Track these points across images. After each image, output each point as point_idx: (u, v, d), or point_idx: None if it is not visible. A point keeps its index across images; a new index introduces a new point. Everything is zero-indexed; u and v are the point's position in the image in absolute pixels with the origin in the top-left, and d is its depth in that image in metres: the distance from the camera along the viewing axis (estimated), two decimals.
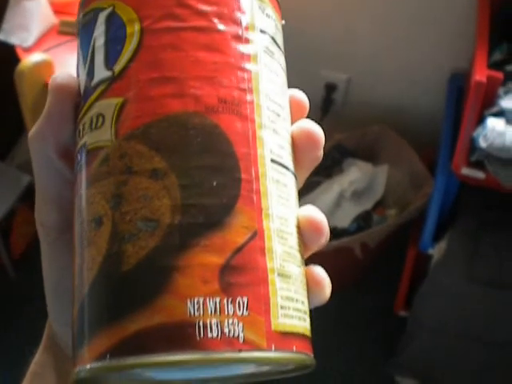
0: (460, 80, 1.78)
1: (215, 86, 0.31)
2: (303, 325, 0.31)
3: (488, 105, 1.42)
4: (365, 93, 1.95)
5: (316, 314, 1.74)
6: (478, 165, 1.44)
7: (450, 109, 1.72)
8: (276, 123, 0.33)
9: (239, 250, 0.29)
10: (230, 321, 0.27)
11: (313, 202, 1.81)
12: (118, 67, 0.31)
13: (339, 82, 1.93)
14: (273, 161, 0.32)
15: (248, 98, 0.32)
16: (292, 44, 1.91)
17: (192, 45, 0.31)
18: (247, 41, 0.33)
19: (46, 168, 0.37)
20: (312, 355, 0.32)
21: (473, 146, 1.41)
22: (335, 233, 1.77)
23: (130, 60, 0.31)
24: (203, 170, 0.29)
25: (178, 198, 0.29)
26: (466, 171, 1.46)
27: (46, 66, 1.44)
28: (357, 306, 1.92)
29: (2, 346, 1.82)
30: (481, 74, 1.40)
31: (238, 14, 0.33)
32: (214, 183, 0.29)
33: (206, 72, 0.31)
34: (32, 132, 0.36)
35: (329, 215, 1.79)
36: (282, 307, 0.29)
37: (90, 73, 0.33)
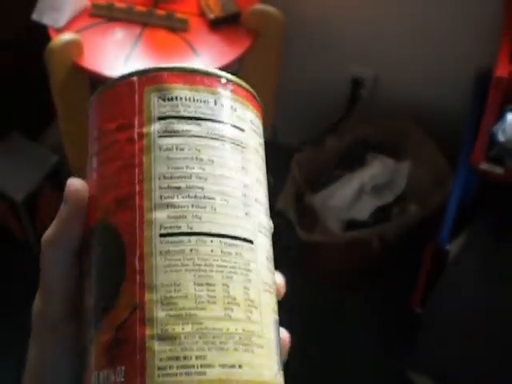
0: (486, 79, 1.78)
1: (114, 190, 0.36)
2: (194, 378, 0.33)
3: (509, 101, 1.43)
4: (391, 89, 1.95)
5: (329, 309, 1.75)
6: (498, 161, 1.44)
7: (474, 107, 1.72)
8: (175, 195, 0.36)
9: (122, 325, 0.34)
10: None
11: (332, 195, 1.82)
12: None
13: (367, 78, 1.94)
14: (163, 235, 0.35)
15: (137, 188, 0.36)
16: (318, 38, 1.94)
17: (101, 164, 0.38)
18: (141, 136, 0.37)
19: (56, 268, 0.40)
20: None
21: (492, 141, 1.42)
22: (353, 224, 1.78)
23: None
24: (103, 267, 0.36)
25: (94, 290, 0.36)
26: (484, 166, 1.46)
27: (76, 46, 1.47)
28: (372, 300, 1.92)
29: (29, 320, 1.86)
30: (502, 70, 1.40)
31: (133, 119, 0.38)
32: (106, 274, 0.36)
33: (109, 181, 0.37)
34: (46, 236, 0.40)
35: (348, 207, 1.81)
36: (159, 368, 0.33)
37: None
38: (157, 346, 0.33)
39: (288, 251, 1.88)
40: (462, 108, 1.79)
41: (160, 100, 0.38)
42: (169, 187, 0.36)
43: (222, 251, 0.35)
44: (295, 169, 1.82)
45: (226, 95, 0.39)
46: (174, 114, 0.38)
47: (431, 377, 1.76)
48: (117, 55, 1.52)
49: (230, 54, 1.56)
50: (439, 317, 1.66)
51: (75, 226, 0.39)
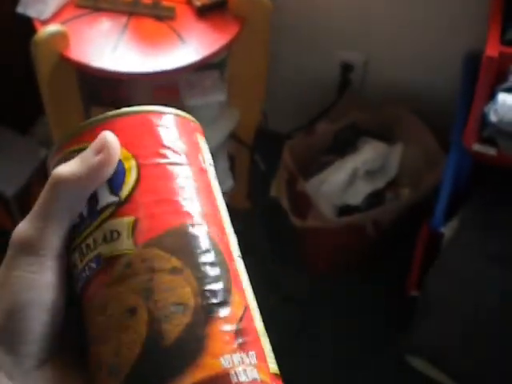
0: (476, 60, 1.77)
1: (198, 204, 0.42)
2: (277, 368, 0.41)
3: (500, 81, 1.42)
4: (381, 74, 1.95)
5: (324, 295, 1.75)
6: (490, 141, 1.43)
7: (464, 88, 1.71)
8: (230, 227, 0.44)
9: (241, 319, 0.40)
10: (250, 368, 0.38)
11: (325, 181, 1.81)
12: (124, 193, 0.41)
13: (356, 63, 1.92)
14: (238, 256, 0.43)
15: (216, 211, 0.43)
16: (307, 24, 1.92)
17: (176, 175, 0.42)
18: (206, 171, 0.44)
19: (67, 205, 0.41)
20: None
21: (484, 121, 1.41)
22: (347, 210, 1.77)
23: (134, 188, 0.41)
24: (207, 265, 0.40)
25: (195, 286, 0.39)
26: (477, 147, 1.45)
27: (61, 38, 1.45)
28: (368, 285, 1.91)
29: None
30: (493, 50, 1.39)
31: (198, 154, 0.45)
32: (216, 274, 0.40)
33: (190, 194, 0.42)
34: (68, 172, 0.40)
35: (341, 193, 1.80)
36: (269, 357, 0.40)
37: (93, 199, 0.41)
38: (263, 339, 0.41)
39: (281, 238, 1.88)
40: (452, 89, 1.78)
41: (208, 155, 0.47)
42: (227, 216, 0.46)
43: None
44: (287, 156, 1.80)
45: None
46: (212, 163, 0.47)
47: (430, 360, 1.76)
48: (103, 46, 1.50)
49: (217, 41, 1.54)
50: (435, 299, 1.66)
51: (101, 178, 0.41)
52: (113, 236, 0.40)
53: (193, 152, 0.44)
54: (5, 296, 0.39)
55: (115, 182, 0.41)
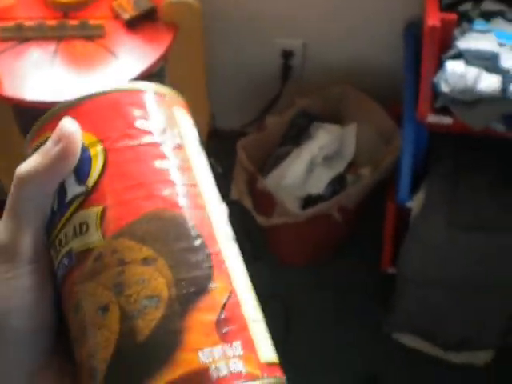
0: (416, 29, 1.75)
1: (174, 187, 0.39)
2: (275, 355, 0.38)
3: (445, 48, 1.40)
4: (322, 55, 1.92)
5: (306, 281, 1.72)
6: (444, 110, 1.41)
7: (409, 59, 1.69)
8: (217, 206, 0.41)
9: (224, 306, 0.36)
10: (233, 361, 0.35)
11: (284, 174, 1.78)
12: (90, 182, 0.38)
13: (295, 48, 1.89)
14: (227, 238, 0.40)
15: (196, 191, 0.40)
16: (240, 18, 1.88)
17: (148, 156, 0.39)
18: (183, 147, 0.41)
19: (33, 203, 0.39)
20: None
21: (436, 92, 1.39)
22: (310, 200, 1.74)
23: (100, 175, 0.39)
24: (183, 251, 0.37)
25: (169, 276, 0.36)
26: (432, 118, 1.44)
27: None
28: (344, 269, 1.90)
29: None
30: (434, 18, 1.37)
31: (174, 129, 0.42)
32: (193, 260, 0.37)
33: (164, 176, 0.39)
34: (27, 170, 0.39)
35: (301, 183, 1.77)
36: (263, 345, 0.37)
37: (61, 191, 0.39)
38: (254, 326, 0.37)
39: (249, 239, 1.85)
40: (396, 63, 1.76)
41: (182, 121, 0.44)
42: (214, 196, 0.42)
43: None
44: (242, 154, 1.77)
45: None
46: (194, 134, 0.44)
47: (415, 333, 1.76)
48: (36, 76, 1.45)
49: (152, 53, 1.50)
50: (409, 274, 1.65)
51: (64, 169, 0.39)
52: (82, 229, 0.38)
53: (168, 129, 0.41)
54: None
55: (81, 171, 0.39)
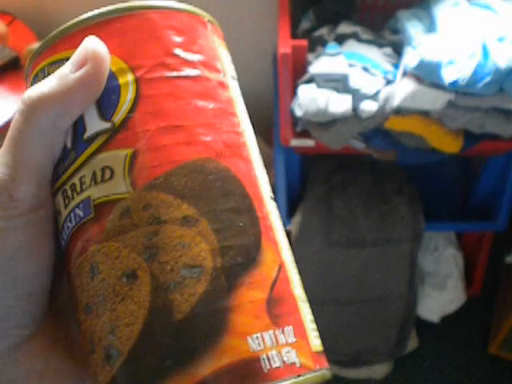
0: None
1: (218, 132, 0.32)
2: (320, 343, 0.33)
3: (300, 74, 1.44)
4: None
5: None
6: (306, 133, 1.45)
7: (276, 87, 1.74)
8: (259, 159, 0.35)
9: (274, 283, 0.31)
10: (285, 349, 0.30)
11: None
12: (117, 118, 0.31)
13: None
14: (270, 197, 0.34)
15: (241, 140, 0.34)
16: None
17: (189, 93, 0.32)
18: (227, 87, 0.35)
19: (39, 138, 0.31)
20: None
21: (295, 116, 1.43)
22: None
23: (131, 110, 0.32)
24: (229, 213, 0.31)
25: (214, 242, 0.30)
26: (295, 142, 1.47)
27: None
28: None
29: None
30: (285, 46, 1.41)
31: (217, 63, 0.35)
32: (241, 224, 0.31)
33: (207, 119, 0.32)
34: (42, 94, 0.31)
35: None
36: (312, 329, 0.32)
37: (79, 126, 0.32)
38: (303, 307, 0.32)
39: None
40: (269, 91, 1.81)
41: (228, 59, 0.37)
42: (256, 151, 0.36)
43: None
44: None
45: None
46: (235, 77, 0.37)
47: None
48: None
49: (18, 101, 1.50)
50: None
51: (87, 98, 0.31)
52: (104, 175, 0.31)
53: (210, 62, 0.35)
54: None
55: (106, 102, 0.32)
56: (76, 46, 0.32)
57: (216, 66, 0.35)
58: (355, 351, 1.72)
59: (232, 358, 0.29)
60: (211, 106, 0.33)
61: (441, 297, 1.79)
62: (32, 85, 0.34)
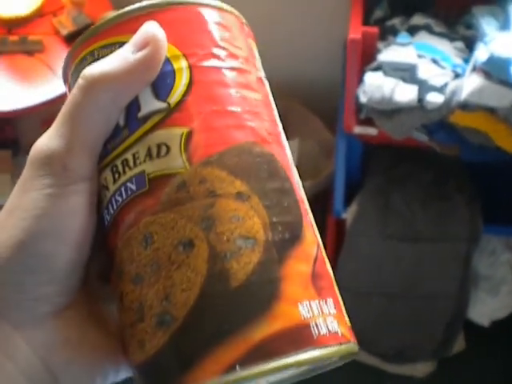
0: None
1: (261, 120, 0.35)
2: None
3: (369, 61, 1.44)
4: (268, 70, 1.95)
5: None
6: (370, 121, 1.45)
7: (344, 74, 1.73)
8: (290, 152, 0.38)
9: (316, 259, 0.33)
10: (329, 319, 0.32)
11: None
12: (173, 99, 0.34)
13: None
14: (298, 184, 0.36)
15: (278, 130, 0.37)
16: None
17: (235, 82, 0.35)
18: (263, 83, 0.38)
19: (97, 113, 0.33)
20: None
21: (359, 103, 1.42)
22: None
23: (186, 93, 0.34)
24: (276, 192, 0.33)
25: (265, 217, 0.32)
26: (358, 130, 1.47)
27: None
28: None
29: None
30: (355, 32, 1.41)
31: (255, 60, 0.38)
32: (286, 203, 0.33)
33: (252, 107, 0.35)
34: (100, 73, 0.33)
35: None
36: (343, 304, 0.34)
37: (133, 105, 0.34)
38: (335, 284, 0.35)
39: None
40: (337, 78, 1.80)
41: (259, 58, 0.40)
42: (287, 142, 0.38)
43: None
44: None
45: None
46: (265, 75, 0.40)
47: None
48: None
49: None
50: (345, 284, 1.67)
51: (145, 78, 0.33)
52: (160, 151, 0.33)
53: (249, 58, 0.37)
54: (16, 224, 0.32)
55: (162, 85, 0.34)
56: (129, 33, 0.34)
57: (254, 62, 0.38)
58: (399, 346, 1.70)
59: (285, 323, 0.31)
60: (254, 96, 0.36)
61: (492, 302, 1.76)
62: (79, 66, 0.36)
